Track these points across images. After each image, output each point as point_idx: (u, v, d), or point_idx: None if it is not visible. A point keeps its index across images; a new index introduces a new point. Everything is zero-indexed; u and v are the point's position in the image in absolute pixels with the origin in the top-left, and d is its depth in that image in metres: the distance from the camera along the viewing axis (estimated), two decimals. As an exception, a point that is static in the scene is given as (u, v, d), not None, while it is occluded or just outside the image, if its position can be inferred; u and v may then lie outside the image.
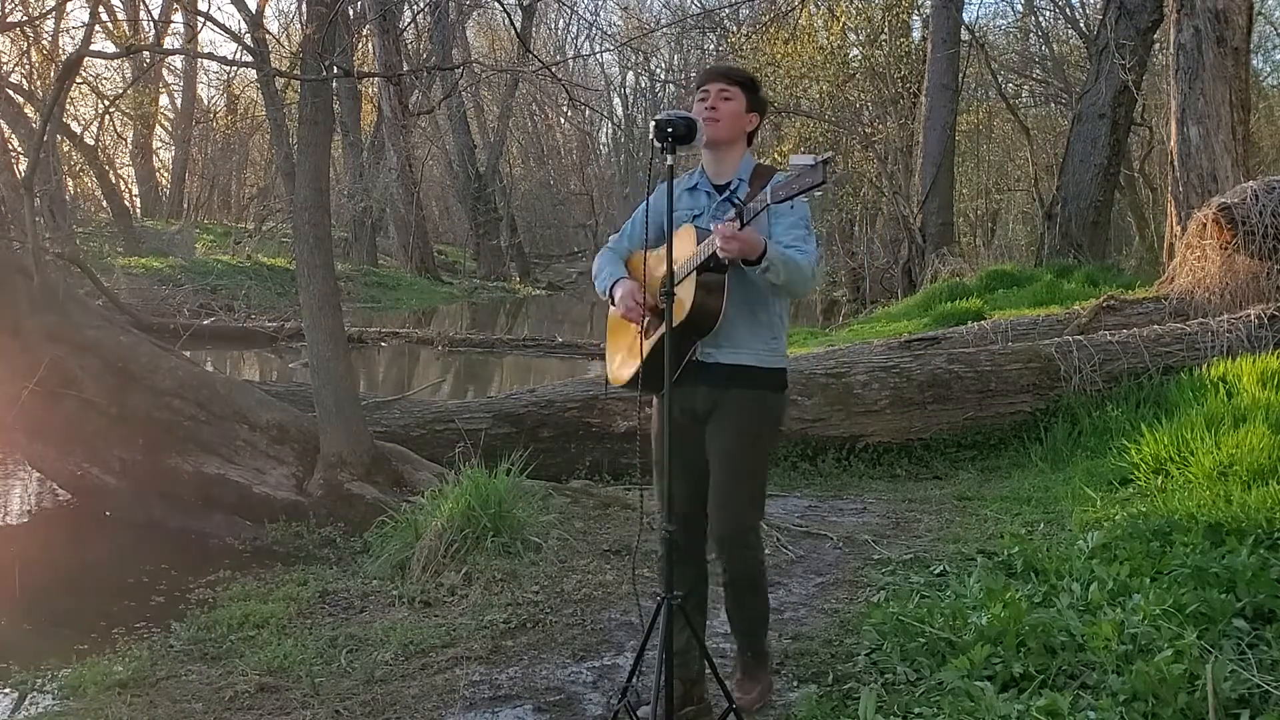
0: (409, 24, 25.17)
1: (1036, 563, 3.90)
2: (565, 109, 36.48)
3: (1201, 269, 8.06)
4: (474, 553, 4.28)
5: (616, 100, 39.26)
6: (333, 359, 5.27)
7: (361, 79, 23.04)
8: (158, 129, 27.74)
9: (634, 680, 2.74)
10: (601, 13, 41.53)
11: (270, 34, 14.69)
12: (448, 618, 3.88)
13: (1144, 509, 4.19)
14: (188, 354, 7.20)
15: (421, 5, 24.21)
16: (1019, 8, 23.74)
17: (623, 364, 3.00)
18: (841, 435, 6.39)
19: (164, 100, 27.86)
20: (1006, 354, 6.82)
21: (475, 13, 29.66)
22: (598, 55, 35.49)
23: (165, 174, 28.70)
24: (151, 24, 18.40)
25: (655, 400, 2.95)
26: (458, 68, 18.61)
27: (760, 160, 3.07)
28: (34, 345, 5.38)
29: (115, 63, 20.55)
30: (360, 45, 22.49)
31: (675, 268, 2.78)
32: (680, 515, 2.88)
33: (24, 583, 4.49)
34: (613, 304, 2.97)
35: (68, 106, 17.76)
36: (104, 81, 22.53)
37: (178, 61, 24.97)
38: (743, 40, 19.62)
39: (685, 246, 2.79)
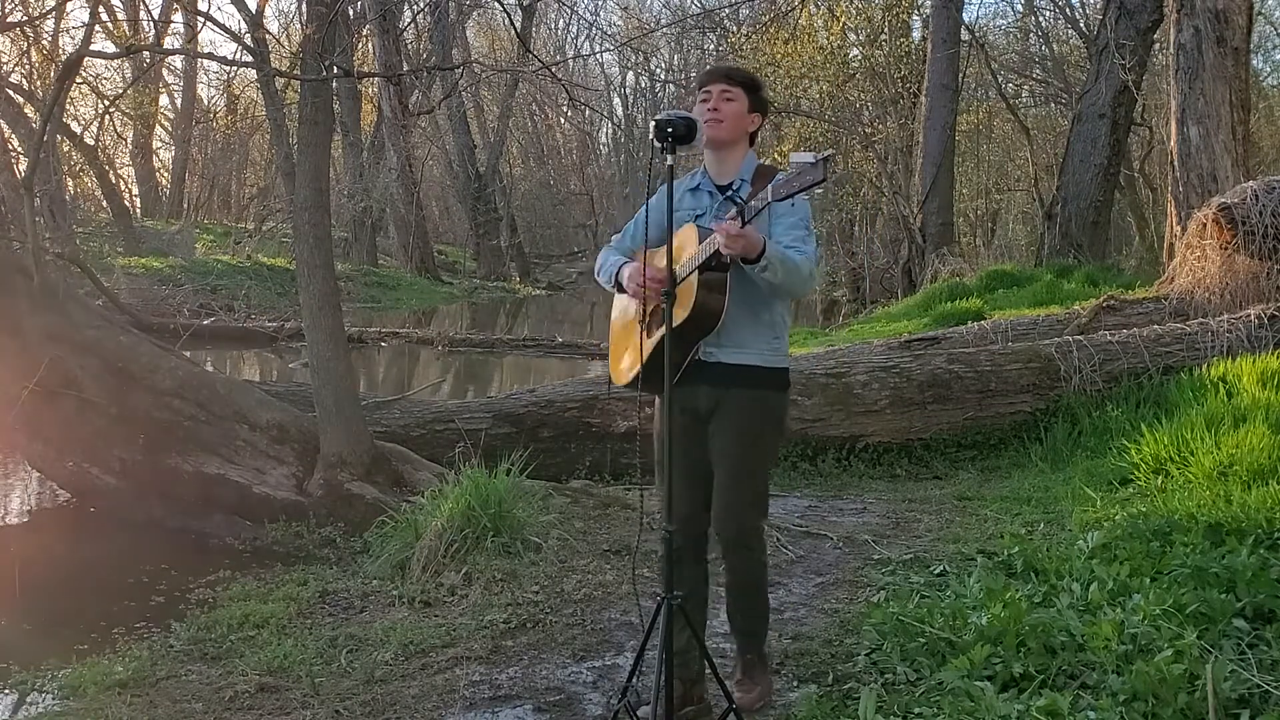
0: (409, 24, 25.18)
1: (1036, 563, 3.90)
2: (565, 109, 36.53)
3: (1201, 269, 8.06)
4: (474, 553, 4.28)
5: (616, 100, 39.32)
6: (333, 359, 5.27)
7: (361, 79, 23.04)
8: (158, 129, 27.77)
9: (634, 680, 2.74)
10: (601, 13, 41.56)
11: (270, 34, 14.69)
12: (448, 618, 3.88)
13: (1144, 509, 4.19)
14: (188, 354, 7.19)
15: (421, 5, 24.22)
16: (1019, 8, 23.78)
17: (625, 364, 3.00)
18: (841, 435, 6.39)
19: (164, 100, 27.90)
20: (1006, 354, 6.81)
21: (475, 13, 29.67)
22: (598, 55, 35.53)
23: (165, 174, 28.71)
24: (151, 24, 18.40)
25: (657, 400, 2.95)
26: (458, 68, 18.61)
27: (760, 160, 3.07)
28: (34, 345, 5.38)
29: (115, 63, 20.56)
30: (360, 45, 22.49)
31: (678, 267, 2.78)
32: (682, 515, 2.88)
33: (24, 583, 4.49)
34: (620, 290, 2.96)
35: (68, 106, 17.77)
36: (104, 81, 22.57)
37: (178, 61, 25.00)
38: (743, 40, 19.62)
39: (688, 246, 2.79)
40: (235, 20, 12.41)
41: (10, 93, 14.19)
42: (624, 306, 3.06)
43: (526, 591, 4.08)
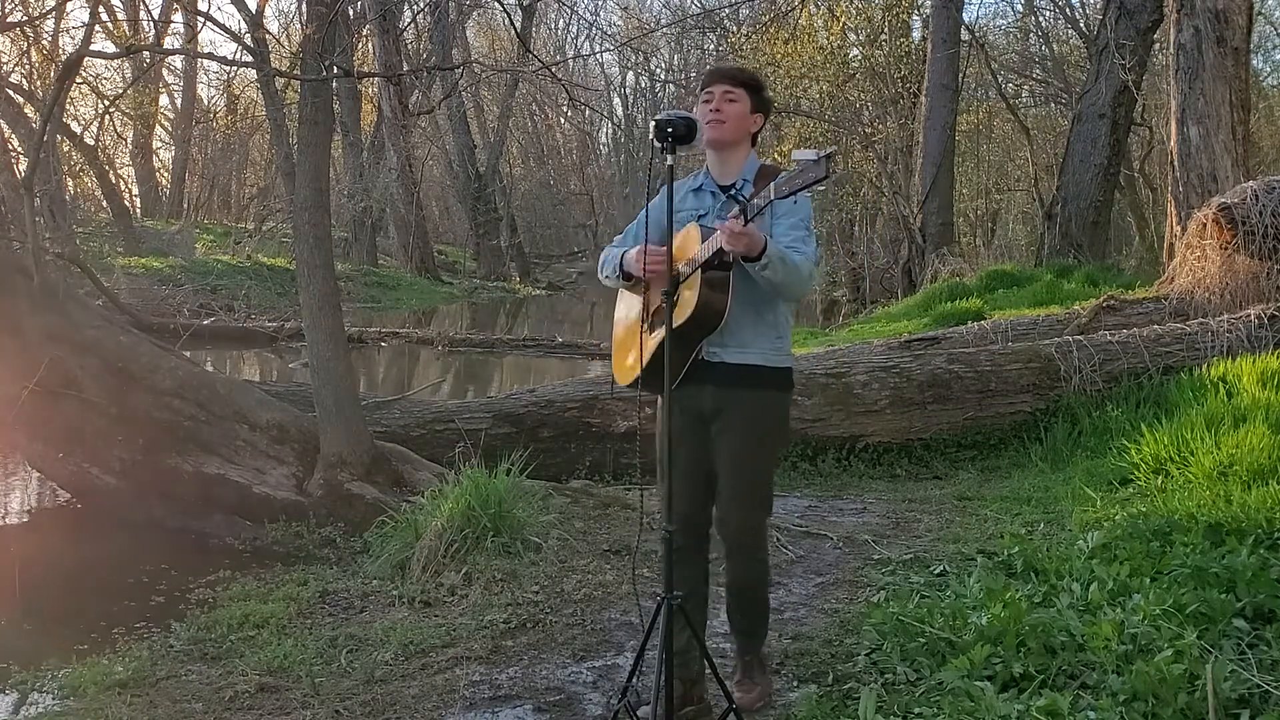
0: (409, 24, 25.18)
1: (1036, 563, 3.90)
2: (565, 109, 36.53)
3: (1201, 269, 8.06)
4: (474, 553, 4.28)
5: (616, 100, 39.34)
6: (333, 359, 5.27)
7: (361, 79, 23.04)
8: (158, 129, 27.77)
9: (634, 680, 2.74)
10: (601, 13, 41.58)
11: (270, 34, 14.69)
12: (448, 618, 3.88)
13: (1144, 509, 4.19)
14: (188, 354, 7.20)
15: (421, 5, 24.22)
16: (1019, 8, 23.78)
17: (628, 363, 3.00)
18: (841, 435, 6.39)
19: (164, 100, 27.90)
20: (1006, 354, 6.81)
21: (475, 13, 29.67)
22: (598, 55, 35.54)
23: (165, 174, 28.72)
24: (151, 24, 18.40)
25: (659, 400, 2.95)
26: (458, 68, 18.61)
27: (761, 161, 3.08)
28: (34, 345, 5.38)
29: (115, 63, 20.56)
30: (360, 45, 22.49)
31: (681, 265, 2.79)
32: (683, 515, 2.89)
33: (24, 583, 4.48)
34: (626, 280, 2.96)
35: (68, 106, 17.77)
36: (104, 81, 22.57)
37: (178, 61, 25.00)
38: (743, 40, 19.62)
39: (691, 245, 2.79)
40: (235, 20, 12.40)
41: (10, 93, 14.19)
42: (627, 307, 3.06)
43: (526, 591, 4.08)
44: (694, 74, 28.12)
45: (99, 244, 18.98)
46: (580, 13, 33.90)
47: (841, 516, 5.32)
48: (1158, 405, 6.13)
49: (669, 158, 2.69)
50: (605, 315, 20.77)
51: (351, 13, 12.72)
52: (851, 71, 18.76)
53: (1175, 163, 9.52)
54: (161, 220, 24.01)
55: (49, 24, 17.47)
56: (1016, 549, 4.10)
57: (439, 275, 25.51)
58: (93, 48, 10.24)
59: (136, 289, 15.06)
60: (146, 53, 10.67)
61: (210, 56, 13.67)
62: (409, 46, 25.95)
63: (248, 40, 5.87)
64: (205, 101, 29.96)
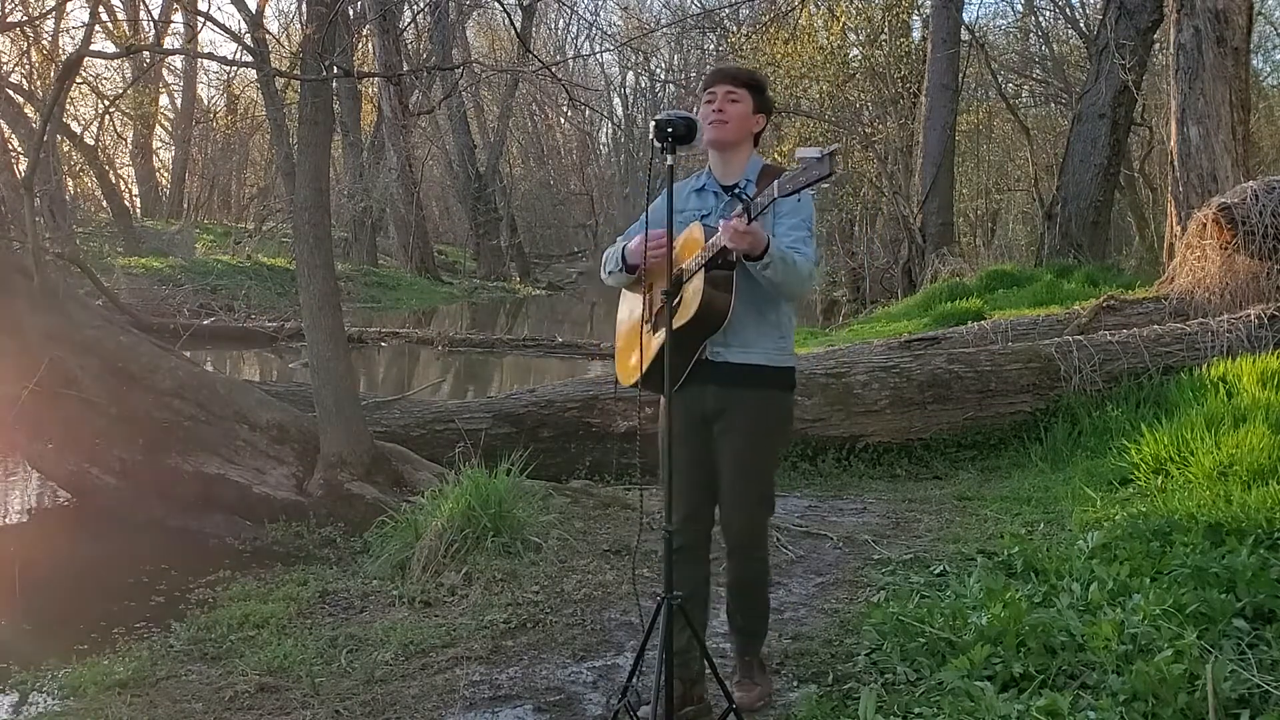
0: (409, 24, 25.18)
1: (1036, 563, 3.90)
2: (565, 109, 36.53)
3: (1201, 269, 8.06)
4: (474, 553, 4.28)
5: (616, 100, 39.34)
6: (333, 359, 5.27)
7: (361, 79, 23.04)
8: (158, 129, 27.77)
9: (634, 680, 2.74)
10: (601, 13, 41.59)
11: (270, 34, 14.69)
12: (448, 618, 3.88)
13: (1144, 509, 4.19)
14: (188, 354, 7.20)
15: (421, 5, 24.22)
16: (1019, 8, 23.78)
17: (631, 363, 3.00)
18: (841, 435, 6.39)
19: (164, 100, 27.91)
20: (1006, 354, 6.81)
21: (475, 13, 29.67)
22: (598, 55, 35.54)
23: (165, 174, 28.72)
24: (151, 24, 18.41)
25: (662, 400, 2.95)
26: (458, 68, 18.60)
27: (763, 160, 3.08)
28: (34, 345, 5.38)
29: (115, 63, 20.56)
30: (360, 45, 22.49)
31: (684, 265, 2.79)
32: (685, 515, 2.90)
33: (24, 583, 4.48)
34: (631, 272, 2.95)
35: (68, 106, 17.77)
36: (104, 81, 22.58)
37: (178, 61, 25.00)
38: (743, 40, 19.62)
39: (694, 244, 2.80)
40: (235, 20, 12.41)
41: (10, 93, 14.19)
42: (630, 307, 3.06)
43: (526, 591, 4.08)
44: (694, 74, 28.15)
45: (99, 244, 18.98)
46: (580, 13, 33.95)
47: (841, 516, 5.32)
48: (1158, 405, 6.13)
49: (669, 158, 2.69)
50: (605, 315, 20.79)
51: (351, 13, 12.73)
52: (851, 71, 18.76)
53: (1175, 163, 9.52)
54: (161, 220, 24.01)
55: (49, 24, 17.50)
56: (1016, 549, 4.10)
57: (439, 275, 25.51)
58: (93, 48, 10.25)
59: (136, 289, 15.06)
60: (146, 53, 10.67)
61: (210, 56, 13.68)
62: (409, 46, 25.95)
63: (248, 40, 5.87)
64: (205, 101, 30.01)
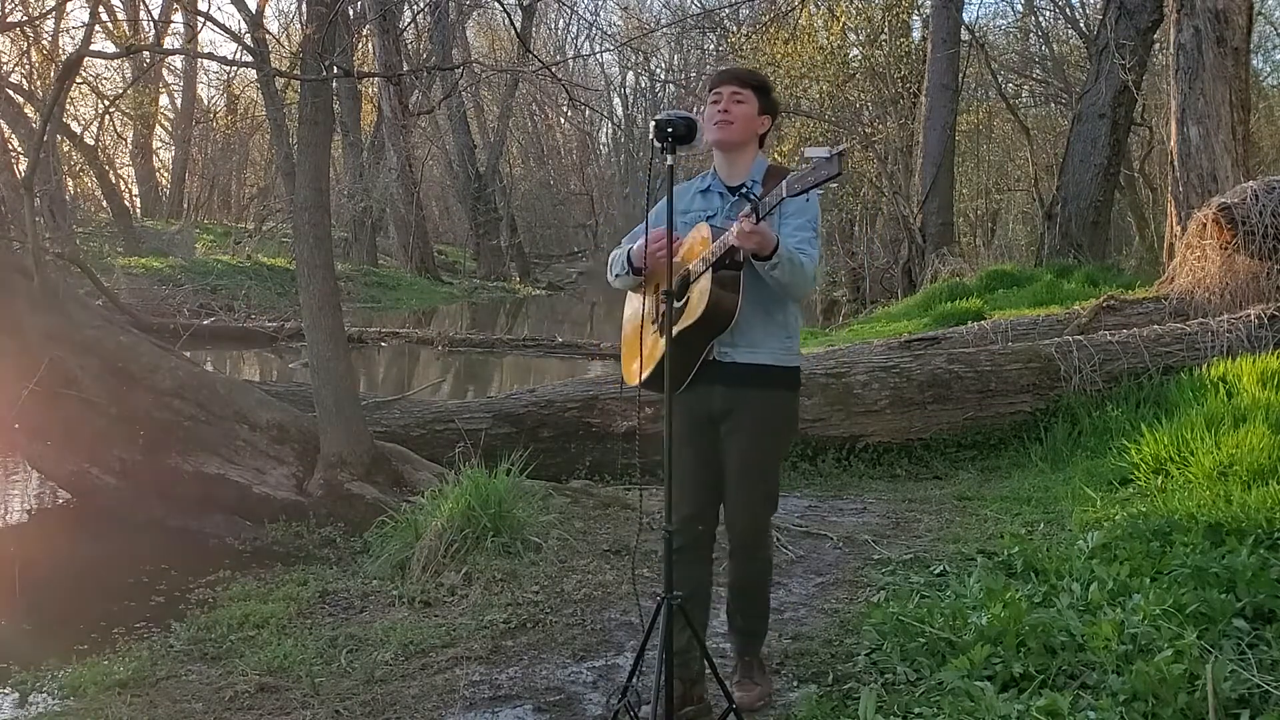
0: (409, 24, 25.18)
1: (1036, 563, 3.90)
2: (565, 109, 36.53)
3: (1201, 269, 8.06)
4: (474, 553, 4.28)
5: (616, 100, 39.35)
6: (333, 359, 5.27)
7: (361, 79, 23.04)
8: (158, 129, 27.78)
9: (634, 680, 2.74)
10: (601, 13, 41.59)
11: (270, 34, 14.69)
12: (448, 618, 3.88)
13: (1144, 509, 4.19)
14: (188, 354, 7.20)
15: (421, 5, 24.22)
16: (1019, 8, 23.78)
17: (637, 363, 3.00)
18: (841, 435, 6.39)
19: (164, 100, 27.91)
20: (1006, 354, 6.81)
21: (475, 13, 29.68)
22: (598, 55, 35.55)
23: (165, 174, 28.72)
24: (151, 24, 18.41)
25: (664, 400, 2.94)
26: (458, 68, 18.60)
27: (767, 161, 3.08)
28: (34, 345, 5.38)
29: (115, 63, 20.56)
30: (360, 45, 22.49)
31: (691, 265, 2.79)
32: (688, 514, 2.91)
33: (24, 583, 4.49)
34: (638, 274, 2.95)
35: (68, 106, 17.78)
36: (104, 81, 22.58)
37: (178, 61, 25.00)
38: (743, 40, 19.62)
39: (701, 245, 2.80)
40: (235, 20, 12.40)
41: (10, 93, 14.19)
42: (636, 306, 3.06)
43: (526, 591, 4.08)
44: (694, 74, 28.15)
45: (99, 244, 18.99)
46: (580, 13, 33.96)
47: (841, 516, 5.32)
48: (1158, 405, 6.13)
49: (669, 158, 2.69)
50: (605, 315, 20.79)
51: (351, 13, 12.72)
52: (851, 71, 18.75)
53: (1175, 163, 9.52)
54: (161, 220, 24.01)
55: (49, 24, 17.50)
56: (1016, 549, 4.10)
57: (439, 275, 25.51)
58: (93, 48, 10.24)
59: (136, 289, 15.06)
60: (146, 53, 10.67)
61: (210, 56, 13.67)
62: (409, 46, 25.95)
63: (248, 40, 5.87)
64: (205, 101, 30.01)
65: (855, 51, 19.41)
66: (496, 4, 15.66)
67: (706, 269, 2.76)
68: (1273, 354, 6.29)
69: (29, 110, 14.99)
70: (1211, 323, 6.98)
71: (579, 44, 37.07)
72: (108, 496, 5.50)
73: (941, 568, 4.19)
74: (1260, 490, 4.00)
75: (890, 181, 17.34)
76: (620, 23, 34.65)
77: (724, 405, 2.89)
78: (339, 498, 5.12)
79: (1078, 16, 20.21)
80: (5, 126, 12.94)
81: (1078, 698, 2.73)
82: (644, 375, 2.94)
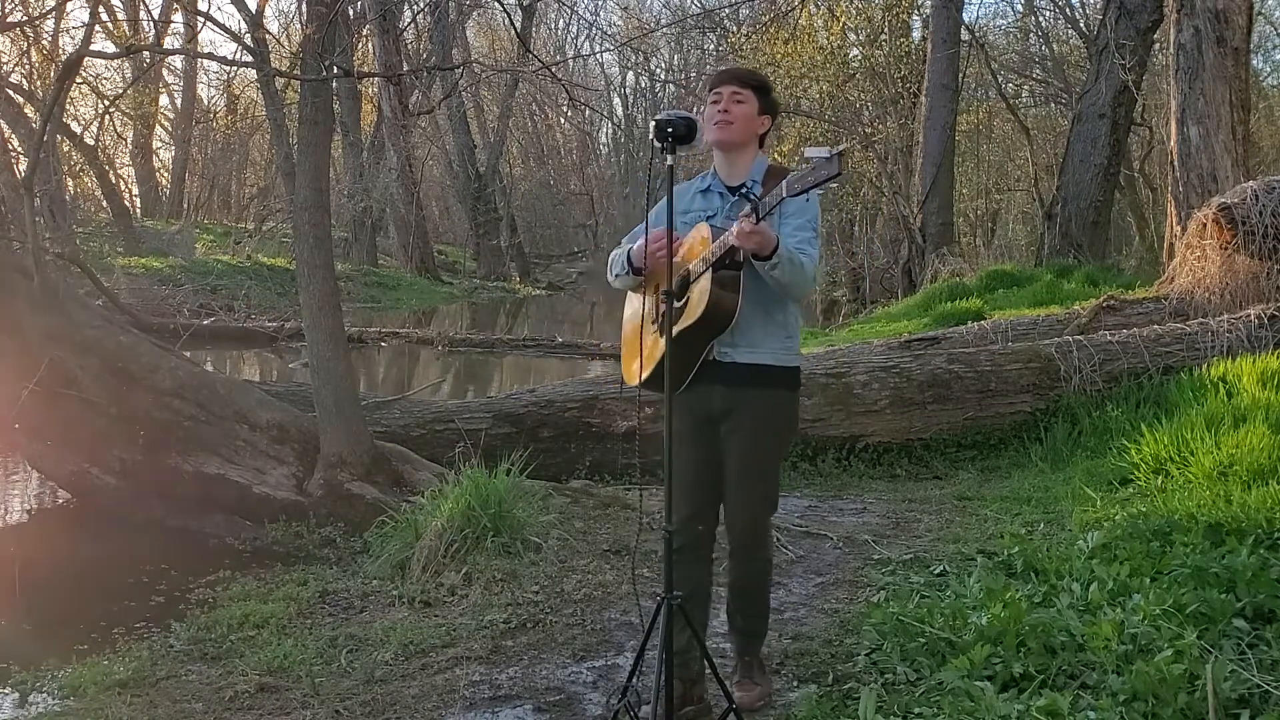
0: (409, 24, 25.18)
1: (1036, 563, 3.90)
2: (565, 109, 36.54)
3: (1201, 269, 8.06)
4: (474, 553, 4.28)
5: (616, 100, 39.35)
6: (333, 359, 5.27)
7: (361, 79, 23.04)
8: (158, 129, 27.78)
9: (634, 680, 2.74)
10: (601, 13, 41.60)
11: (270, 34, 14.69)
12: (448, 618, 3.88)
13: (1144, 509, 4.19)
14: (188, 354, 7.20)
15: (421, 5, 24.22)
16: (1019, 8, 23.78)
17: (637, 363, 3.00)
18: (841, 435, 6.39)
19: (164, 100, 27.91)
20: (1006, 354, 6.81)
21: (475, 13, 29.67)
22: (598, 55, 35.55)
23: (165, 174, 28.72)
24: (151, 24, 18.41)
25: (664, 400, 2.94)
26: (458, 68, 18.60)
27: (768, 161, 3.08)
28: (34, 345, 5.38)
29: (115, 63, 20.56)
30: (360, 45, 22.49)
31: (691, 265, 2.79)
32: (688, 514, 2.91)
33: (24, 583, 4.49)
34: (638, 274, 2.95)
35: (68, 106, 17.78)
36: (104, 81, 22.59)
37: (178, 61, 25.00)
38: (743, 40, 19.62)
39: (701, 245, 2.80)
40: (235, 20, 12.41)
41: (10, 93, 14.19)
42: (636, 307, 3.06)
43: (526, 591, 4.08)
44: (694, 74, 28.15)
45: (99, 244, 18.99)
46: (580, 13, 33.96)
47: (841, 516, 5.32)
48: (1158, 405, 6.13)
49: (669, 158, 2.69)
50: (605, 315, 20.78)
51: (351, 13, 12.72)
52: (851, 71, 18.75)
53: (1175, 163, 9.52)
54: (161, 220, 24.01)
55: (49, 24, 17.50)
56: (1016, 549, 4.10)
57: (439, 275, 25.51)
58: (93, 48, 10.24)
59: (136, 289, 15.06)
60: (146, 53, 10.67)
61: (210, 56, 13.67)
62: (409, 46, 25.95)
63: (248, 40, 5.87)
64: (205, 101, 30.01)
65: (855, 51, 19.42)
66: (496, 4, 15.66)
67: (706, 269, 2.76)
68: (1273, 354, 6.29)
69: (29, 110, 14.99)
70: (1211, 323, 6.98)
71: (579, 44, 37.12)
72: (108, 496, 5.51)
73: (941, 568, 4.19)
74: (1260, 490, 4.00)
75: (890, 181, 17.34)
76: (620, 23, 34.69)
77: (724, 405, 2.90)
78: (339, 498, 5.12)
79: (1078, 16, 20.23)
80: (5, 126, 12.94)
81: (1078, 698, 2.73)
82: (644, 375, 2.94)
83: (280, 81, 7.22)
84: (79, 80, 16.86)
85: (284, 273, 18.08)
